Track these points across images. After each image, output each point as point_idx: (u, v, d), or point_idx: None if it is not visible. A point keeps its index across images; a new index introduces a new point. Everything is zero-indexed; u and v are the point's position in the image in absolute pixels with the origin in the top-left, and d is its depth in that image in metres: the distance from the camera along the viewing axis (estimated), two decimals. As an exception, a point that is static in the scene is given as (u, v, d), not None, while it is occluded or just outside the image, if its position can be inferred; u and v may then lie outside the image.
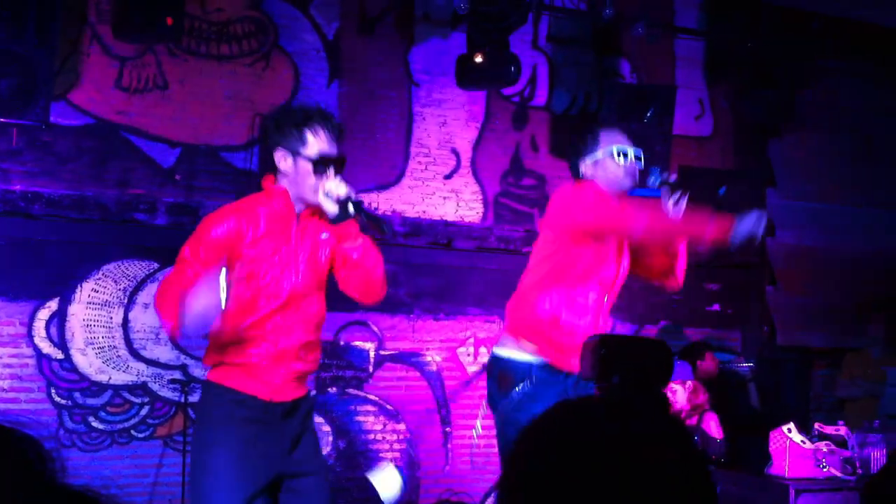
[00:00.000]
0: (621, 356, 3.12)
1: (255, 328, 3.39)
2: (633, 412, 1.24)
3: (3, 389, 5.59)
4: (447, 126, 6.84)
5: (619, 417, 1.21)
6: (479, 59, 6.26)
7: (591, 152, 3.84)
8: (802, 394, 7.67)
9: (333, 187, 3.37)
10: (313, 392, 3.60)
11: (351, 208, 3.37)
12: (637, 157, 3.84)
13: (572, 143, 3.95)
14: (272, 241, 3.42)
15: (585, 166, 3.84)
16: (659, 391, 3.11)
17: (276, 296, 3.41)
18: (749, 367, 7.26)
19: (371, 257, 3.50)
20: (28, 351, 5.65)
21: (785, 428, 5.43)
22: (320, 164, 3.42)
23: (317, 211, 3.48)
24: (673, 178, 3.76)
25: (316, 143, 3.44)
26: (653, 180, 3.77)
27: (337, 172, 3.43)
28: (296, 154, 3.44)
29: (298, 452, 3.45)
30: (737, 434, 6.12)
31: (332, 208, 3.39)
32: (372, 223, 3.42)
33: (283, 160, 3.47)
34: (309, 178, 3.42)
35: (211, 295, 3.17)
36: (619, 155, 3.79)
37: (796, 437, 5.39)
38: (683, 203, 3.79)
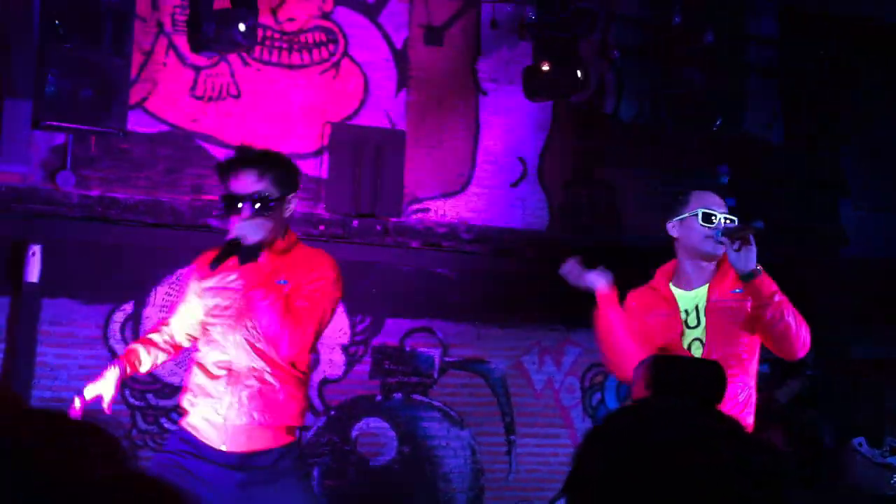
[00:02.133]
0: (675, 376, 3.10)
1: (207, 370, 3.51)
2: (693, 416, 1.26)
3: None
4: (514, 134, 6.86)
5: (678, 420, 1.24)
6: (546, 67, 6.27)
7: (679, 213, 3.71)
8: (876, 408, 7.52)
9: (234, 228, 3.37)
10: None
11: (242, 251, 3.33)
12: (727, 219, 3.65)
13: (669, 203, 3.84)
14: (225, 285, 3.55)
15: (673, 226, 3.72)
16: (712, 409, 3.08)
17: (223, 338, 3.53)
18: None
19: (262, 313, 3.33)
20: (103, 353, 5.80)
21: (856, 442, 5.34)
22: (227, 206, 3.45)
23: (271, 256, 3.48)
24: (731, 225, 3.61)
25: (230, 183, 3.45)
26: (716, 236, 3.63)
27: (251, 211, 3.38)
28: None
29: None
30: (805, 449, 6.03)
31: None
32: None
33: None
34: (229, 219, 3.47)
35: None
36: (703, 218, 3.64)
37: (867, 451, 5.30)
38: (749, 250, 3.47)
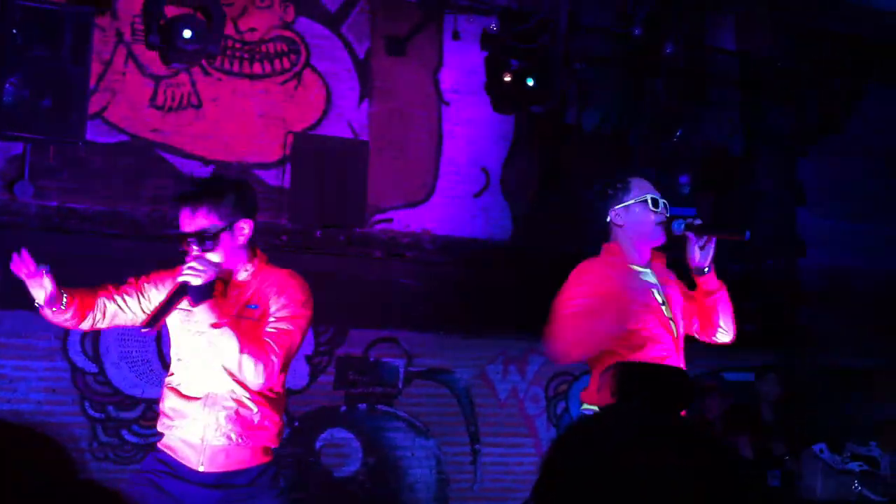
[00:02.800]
0: (640, 382, 3.12)
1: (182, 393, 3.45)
2: (659, 423, 1.27)
3: (38, 402, 5.66)
4: (477, 144, 6.87)
5: (640, 426, 1.24)
6: (508, 78, 6.29)
7: (621, 200, 3.71)
8: (836, 415, 7.60)
9: (185, 269, 3.30)
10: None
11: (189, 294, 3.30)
12: (666, 207, 3.71)
13: (598, 189, 3.80)
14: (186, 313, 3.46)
15: (616, 214, 3.70)
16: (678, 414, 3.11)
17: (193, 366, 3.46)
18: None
19: (222, 341, 3.30)
20: (63, 364, 5.72)
21: (816, 448, 5.39)
22: (178, 241, 3.41)
23: (236, 284, 3.46)
24: (698, 222, 3.66)
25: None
26: (677, 226, 3.66)
27: (199, 246, 3.34)
28: None
29: None
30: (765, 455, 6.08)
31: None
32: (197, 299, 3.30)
33: None
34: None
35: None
36: (653, 204, 3.67)
37: (828, 458, 5.35)
38: (711, 247, 3.62)
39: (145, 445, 5.84)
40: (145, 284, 3.56)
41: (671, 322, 3.64)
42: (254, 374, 3.29)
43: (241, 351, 3.27)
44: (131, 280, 3.59)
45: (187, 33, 5.46)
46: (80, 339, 5.77)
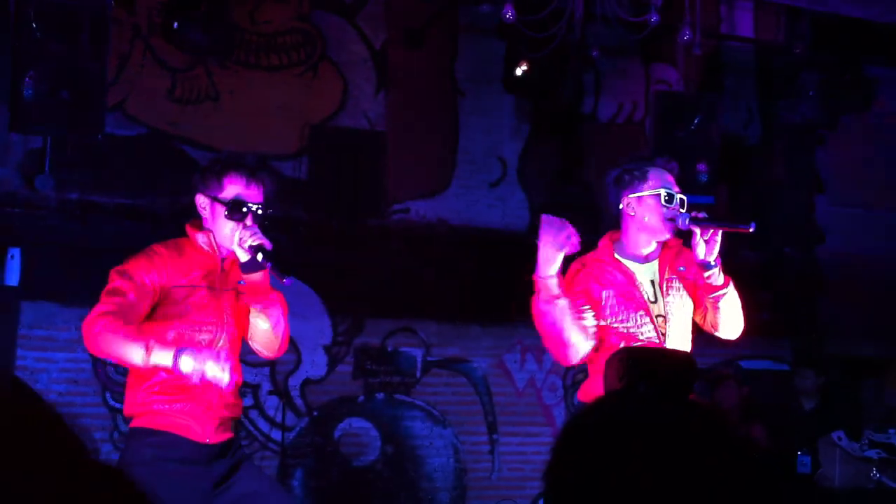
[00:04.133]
0: (647, 367, 3.12)
1: (182, 378, 3.31)
2: (667, 405, 1.27)
3: (60, 394, 5.72)
4: (493, 135, 6.88)
5: (650, 410, 1.25)
6: (524, 67, 6.29)
7: (636, 189, 3.64)
8: (853, 402, 7.58)
9: (245, 235, 3.35)
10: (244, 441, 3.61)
11: (260, 257, 3.34)
12: (682, 202, 3.62)
13: (616, 174, 3.72)
14: (197, 287, 3.42)
15: (627, 200, 3.63)
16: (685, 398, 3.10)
17: (201, 340, 3.40)
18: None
19: (274, 314, 3.45)
20: (84, 356, 5.76)
21: (835, 436, 5.39)
22: (234, 210, 3.41)
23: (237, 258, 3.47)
24: (702, 215, 3.59)
25: (231, 187, 3.43)
26: (682, 221, 3.60)
27: (254, 220, 3.40)
28: (213, 199, 3.45)
29: (229, 490, 3.43)
30: (785, 442, 6.07)
31: (242, 256, 3.38)
32: (276, 273, 3.37)
33: (201, 205, 3.48)
34: (223, 223, 3.42)
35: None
36: (666, 199, 3.58)
37: (846, 445, 5.34)
38: (715, 241, 3.51)
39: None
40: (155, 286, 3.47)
41: (661, 318, 3.59)
42: (283, 342, 3.52)
43: (285, 316, 3.45)
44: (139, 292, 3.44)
45: (203, 27, 5.49)
46: (101, 330, 5.81)
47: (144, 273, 3.39)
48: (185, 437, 3.40)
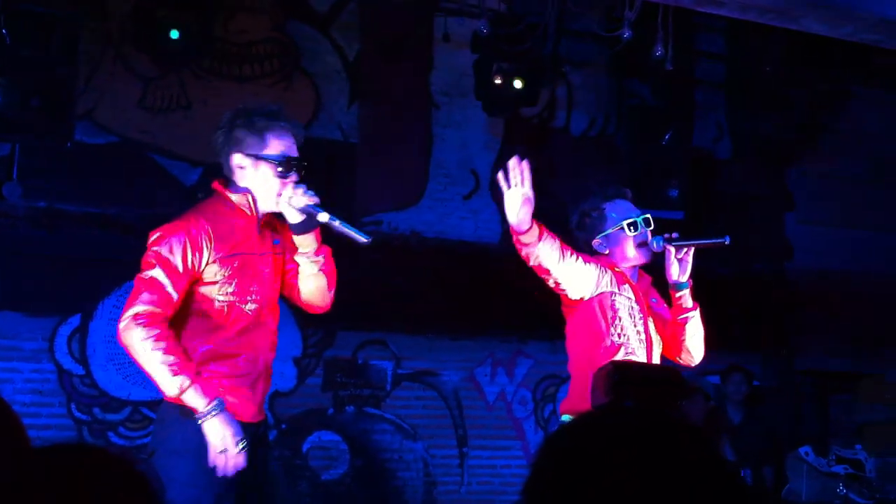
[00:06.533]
0: (633, 382, 3.13)
1: (228, 345, 3.10)
2: (653, 422, 1.27)
3: (24, 404, 5.64)
4: (466, 147, 6.88)
5: (635, 426, 1.25)
6: (498, 81, 6.31)
7: (599, 230, 3.71)
8: (820, 418, 7.64)
9: (299, 194, 3.11)
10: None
11: (323, 217, 3.12)
12: (646, 222, 3.69)
13: (576, 220, 3.79)
14: (238, 251, 3.12)
15: (600, 244, 3.70)
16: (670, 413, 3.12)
17: (249, 310, 3.13)
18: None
19: (328, 269, 3.27)
20: (49, 366, 5.70)
21: (802, 451, 5.42)
22: (283, 168, 3.14)
23: (272, 218, 3.23)
24: (675, 235, 3.64)
25: (279, 144, 3.16)
26: (655, 243, 3.64)
27: (300, 177, 3.16)
28: (256, 157, 3.14)
29: (255, 474, 3.15)
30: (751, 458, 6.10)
31: (294, 217, 3.14)
32: (350, 230, 3.18)
33: (240, 165, 3.16)
34: (270, 182, 3.15)
35: None
36: (630, 228, 3.66)
37: (813, 461, 5.38)
38: (688, 260, 3.59)
39: (131, 448, 5.83)
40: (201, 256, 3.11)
41: (645, 334, 3.65)
42: (332, 296, 3.32)
43: (334, 275, 3.28)
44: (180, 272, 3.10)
45: (175, 35, 5.47)
46: (67, 340, 5.75)
47: (182, 260, 3.04)
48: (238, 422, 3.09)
